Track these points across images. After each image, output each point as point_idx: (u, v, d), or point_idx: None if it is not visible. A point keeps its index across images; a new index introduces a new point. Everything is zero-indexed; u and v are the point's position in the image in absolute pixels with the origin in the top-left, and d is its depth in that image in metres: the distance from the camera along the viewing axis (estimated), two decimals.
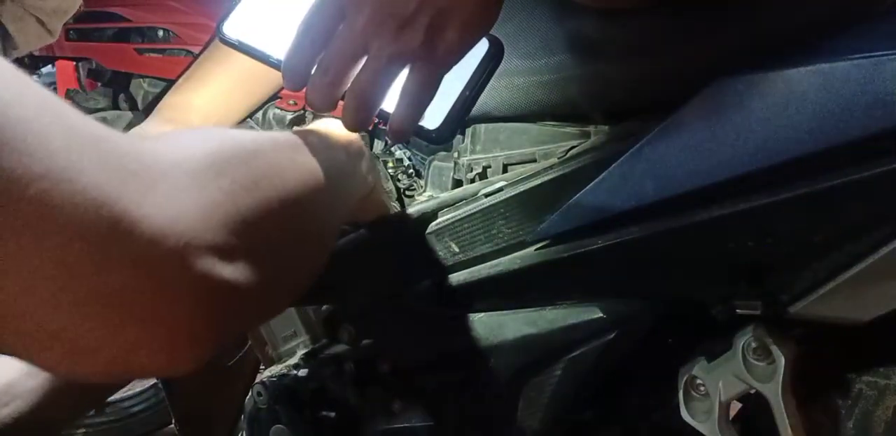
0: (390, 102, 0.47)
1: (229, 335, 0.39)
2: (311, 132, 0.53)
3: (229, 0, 0.52)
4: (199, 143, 0.40)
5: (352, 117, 0.47)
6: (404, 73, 0.46)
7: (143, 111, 1.79)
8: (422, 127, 0.48)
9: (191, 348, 0.36)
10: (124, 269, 0.32)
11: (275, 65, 0.49)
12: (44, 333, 0.31)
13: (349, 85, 0.46)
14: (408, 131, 0.47)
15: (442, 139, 0.49)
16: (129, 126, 1.15)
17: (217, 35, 0.51)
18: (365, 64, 0.45)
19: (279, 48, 0.48)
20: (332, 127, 0.57)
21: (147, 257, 0.32)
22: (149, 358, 0.34)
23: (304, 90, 0.48)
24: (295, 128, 0.59)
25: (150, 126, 0.83)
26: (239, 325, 0.41)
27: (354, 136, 0.59)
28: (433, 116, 0.48)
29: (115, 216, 0.31)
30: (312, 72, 0.47)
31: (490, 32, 0.48)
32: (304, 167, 0.48)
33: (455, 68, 0.47)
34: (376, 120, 0.48)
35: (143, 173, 0.34)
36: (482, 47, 0.48)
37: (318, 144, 0.51)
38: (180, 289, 0.34)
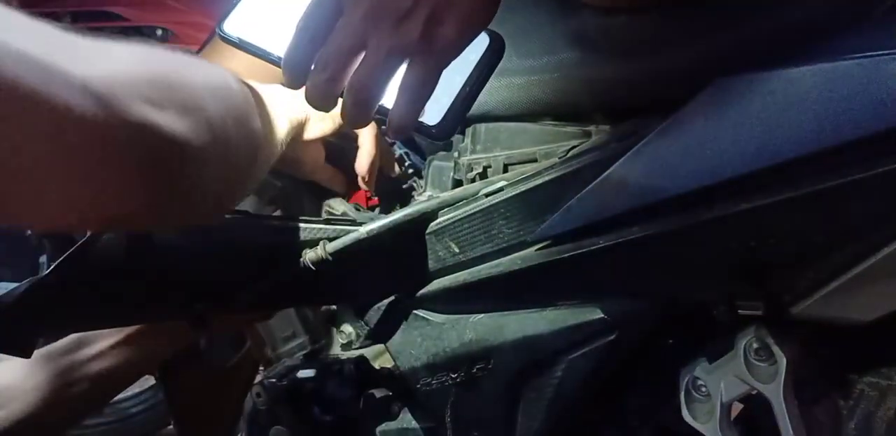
0: (390, 98, 0.47)
1: (175, 188, 0.43)
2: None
3: None
4: (131, 45, 0.44)
5: (351, 113, 0.46)
6: (403, 69, 0.45)
7: None
8: (422, 123, 0.48)
9: (142, 191, 0.41)
10: (65, 119, 0.35)
11: (275, 62, 0.49)
12: (14, 182, 0.35)
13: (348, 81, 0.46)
14: (408, 127, 0.47)
15: (442, 135, 0.48)
16: None
17: (217, 32, 0.51)
18: (363, 59, 0.45)
19: (280, 45, 0.48)
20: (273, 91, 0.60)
21: (80, 106, 0.36)
22: (112, 203, 0.40)
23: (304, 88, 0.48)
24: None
25: None
26: (182, 181, 0.44)
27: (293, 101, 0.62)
28: (433, 112, 0.47)
29: (51, 76, 0.35)
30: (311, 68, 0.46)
31: (490, 29, 0.47)
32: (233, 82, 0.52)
33: (455, 63, 0.46)
34: (376, 116, 0.47)
35: (75, 46, 0.38)
36: (482, 42, 0.48)
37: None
38: (117, 130, 0.38)
